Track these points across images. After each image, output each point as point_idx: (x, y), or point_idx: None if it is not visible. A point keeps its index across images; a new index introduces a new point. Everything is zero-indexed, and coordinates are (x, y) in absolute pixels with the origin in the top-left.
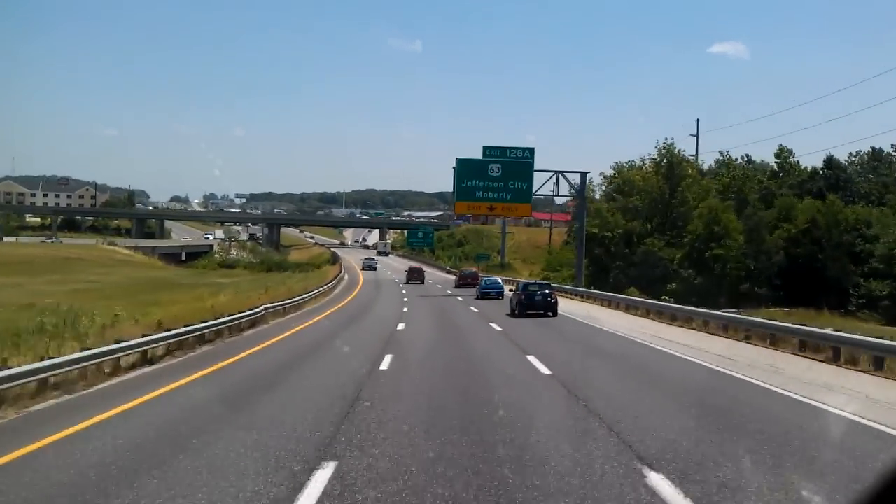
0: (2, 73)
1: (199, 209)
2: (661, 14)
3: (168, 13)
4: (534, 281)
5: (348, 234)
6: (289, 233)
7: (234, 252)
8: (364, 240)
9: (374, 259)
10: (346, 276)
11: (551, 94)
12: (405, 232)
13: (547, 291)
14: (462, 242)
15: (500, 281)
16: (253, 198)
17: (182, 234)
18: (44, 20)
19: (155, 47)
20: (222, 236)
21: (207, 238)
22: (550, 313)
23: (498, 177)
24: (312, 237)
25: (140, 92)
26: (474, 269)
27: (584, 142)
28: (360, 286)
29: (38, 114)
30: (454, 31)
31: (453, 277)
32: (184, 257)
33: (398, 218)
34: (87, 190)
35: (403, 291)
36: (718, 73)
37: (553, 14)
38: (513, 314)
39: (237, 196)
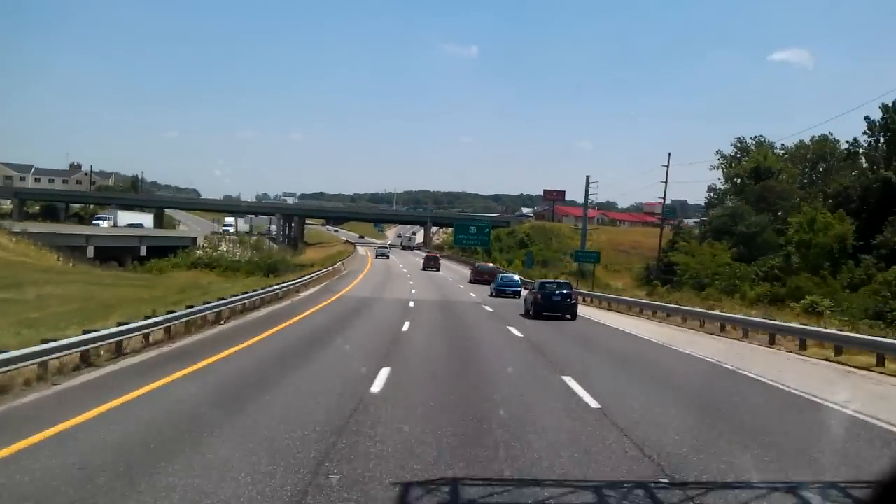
0: (62, 72)
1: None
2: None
3: (224, 25)
4: (552, 280)
5: (391, 233)
6: (323, 231)
7: (223, 247)
8: (412, 236)
9: (386, 248)
10: (318, 286)
11: (607, 99)
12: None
13: (565, 291)
14: (525, 242)
15: (517, 278)
16: (303, 198)
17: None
18: (111, 26)
19: (216, 58)
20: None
21: (113, 224)
22: (569, 316)
23: None
24: (337, 231)
25: (202, 97)
26: (490, 265)
27: (642, 149)
28: (322, 305)
29: (102, 113)
30: (510, 35)
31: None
32: (143, 252)
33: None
34: (86, 175)
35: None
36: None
37: (606, 18)
38: (527, 314)
39: (285, 194)
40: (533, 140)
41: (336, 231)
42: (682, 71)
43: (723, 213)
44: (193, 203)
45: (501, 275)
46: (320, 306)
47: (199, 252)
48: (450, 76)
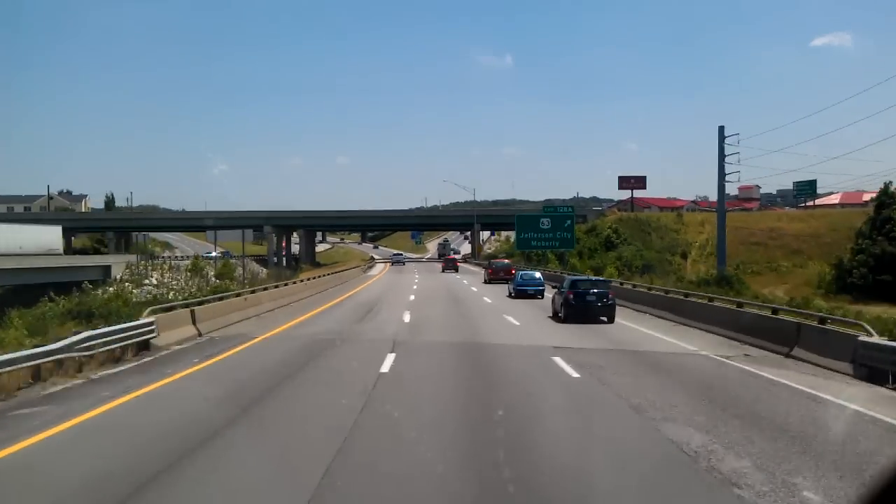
0: (113, 111)
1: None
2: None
3: (275, 62)
4: (585, 276)
5: (433, 245)
6: (353, 248)
7: (153, 279)
8: (446, 242)
9: (401, 254)
10: None
11: (647, 97)
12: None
13: (601, 290)
14: (613, 241)
15: (538, 276)
16: None
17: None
18: (167, 57)
19: (261, 90)
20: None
21: None
22: (605, 318)
23: None
24: (360, 245)
25: (250, 131)
26: (506, 261)
27: (687, 152)
28: None
29: (150, 149)
30: (544, 42)
31: None
32: None
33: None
34: (53, 199)
35: None
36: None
37: (644, 19)
38: (555, 317)
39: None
40: (577, 143)
41: (360, 245)
42: (726, 64)
43: None
44: (124, 221)
45: (521, 272)
46: None
47: (112, 289)
48: (488, 87)
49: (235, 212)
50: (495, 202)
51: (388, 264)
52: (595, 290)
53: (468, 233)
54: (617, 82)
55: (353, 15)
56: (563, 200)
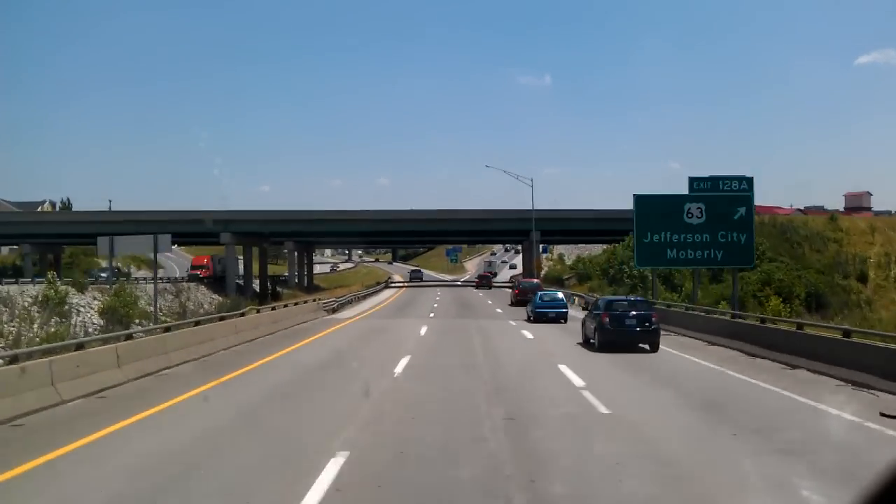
0: (158, 132)
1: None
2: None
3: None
4: (621, 296)
5: (472, 265)
6: (378, 267)
7: None
8: (491, 261)
9: (420, 270)
10: None
11: (688, 114)
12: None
13: (643, 312)
14: None
15: (560, 296)
16: None
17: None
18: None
19: (302, 111)
20: None
21: None
22: (647, 346)
23: None
24: (361, 262)
25: (292, 152)
26: (535, 281)
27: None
28: None
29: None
30: (581, 60)
31: None
32: None
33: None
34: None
35: None
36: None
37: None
38: (585, 343)
39: None
40: (623, 160)
41: (387, 264)
42: (775, 79)
43: None
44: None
45: (540, 292)
46: None
47: None
48: (528, 107)
49: (159, 212)
50: (542, 214)
51: (402, 289)
52: (635, 313)
53: (518, 246)
54: (659, 97)
55: (395, 42)
56: (621, 211)
